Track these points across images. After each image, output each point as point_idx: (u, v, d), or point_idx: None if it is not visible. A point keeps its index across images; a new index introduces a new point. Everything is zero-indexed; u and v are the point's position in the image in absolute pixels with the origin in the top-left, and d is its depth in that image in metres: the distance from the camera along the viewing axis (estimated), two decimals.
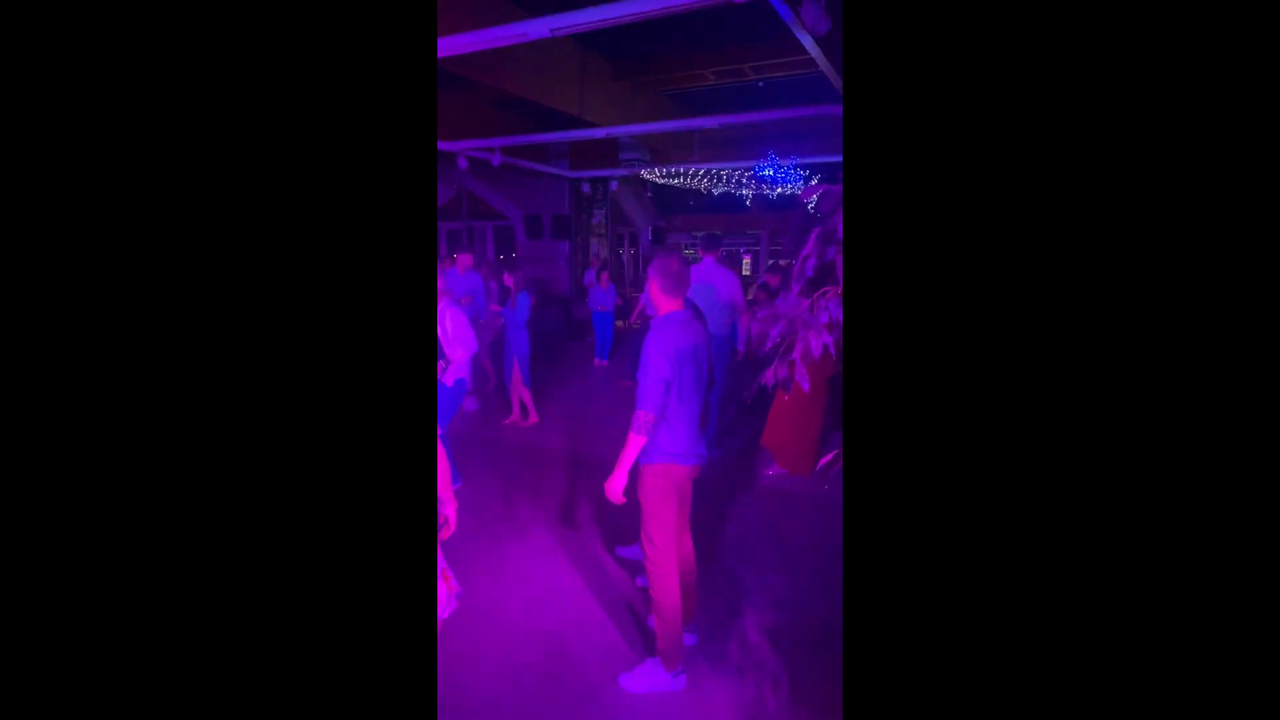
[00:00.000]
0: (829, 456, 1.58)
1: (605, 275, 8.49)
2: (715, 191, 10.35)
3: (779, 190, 9.46)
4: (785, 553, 3.16)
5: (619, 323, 9.14)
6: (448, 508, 1.78)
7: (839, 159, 8.45)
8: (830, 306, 1.31)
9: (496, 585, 2.82)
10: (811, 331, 1.30)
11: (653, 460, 2.12)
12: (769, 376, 1.44)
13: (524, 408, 5.37)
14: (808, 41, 4.98)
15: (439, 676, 2.12)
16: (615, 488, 2.10)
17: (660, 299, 2.14)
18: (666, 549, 2.15)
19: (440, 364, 3.35)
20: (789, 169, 8.90)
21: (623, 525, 3.30)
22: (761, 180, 9.37)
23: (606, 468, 2.16)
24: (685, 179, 9.87)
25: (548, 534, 3.33)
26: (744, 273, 13.92)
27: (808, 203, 1.42)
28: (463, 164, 7.74)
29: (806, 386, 1.41)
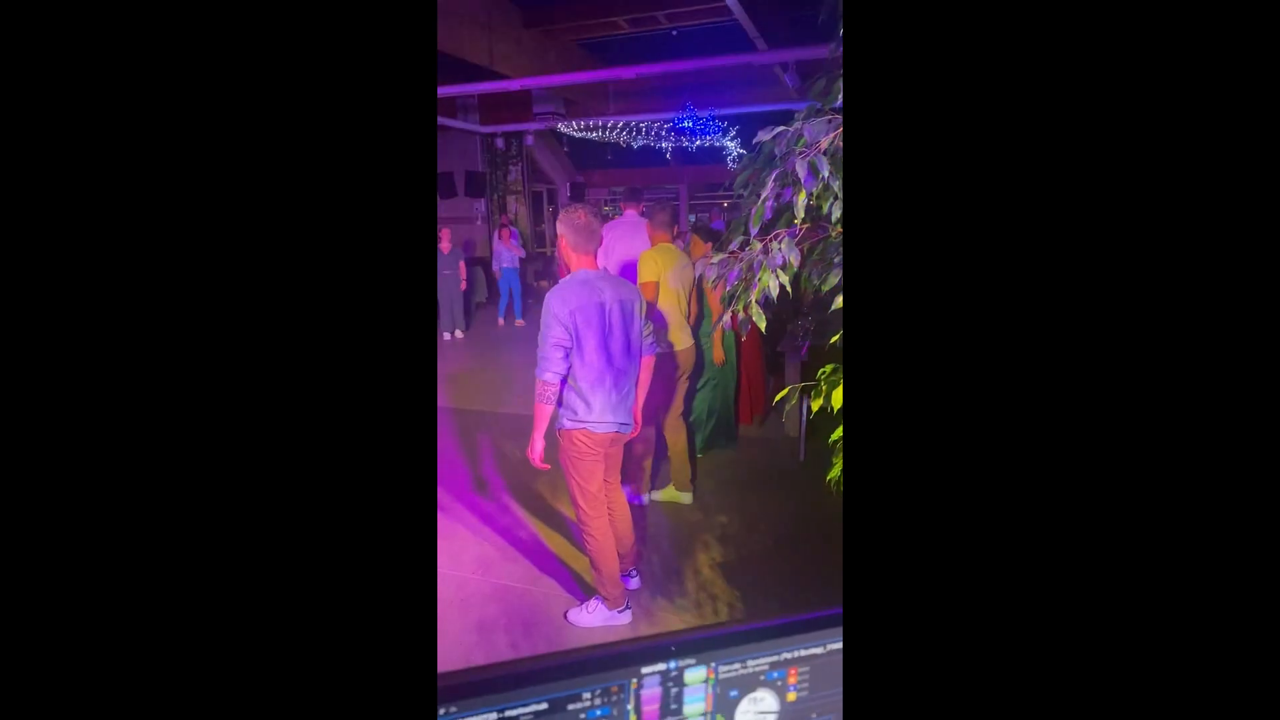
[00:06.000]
0: (767, 404, 1.65)
1: (507, 231, 8.31)
2: (634, 145, 10.22)
3: (698, 142, 9.45)
4: (729, 491, 3.31)
5: (543, 283, 9.02)
6: None
7: (755, 109, 8.51)
8: (784, 248, 1.36)
9: (450, 548, 2.82)
10: (769, 274, 1.36)
11: (565, 426, 2.09)
12: (730, 320, 1.49)
13: None
14: None
15: None
16: (533, 454, 2.11)
17: (569, 255, 2.06)
18: (594, 509, 2.17)
19: None
20: (707, 120, 8.89)
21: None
22: (680, 132, 9.32)
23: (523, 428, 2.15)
24: (603, 132, 9.68)
25: (488, 498, 3.34)
26: None
27: (761, 145, 1.43)
28: None
29: (762, 328, 1.47)
